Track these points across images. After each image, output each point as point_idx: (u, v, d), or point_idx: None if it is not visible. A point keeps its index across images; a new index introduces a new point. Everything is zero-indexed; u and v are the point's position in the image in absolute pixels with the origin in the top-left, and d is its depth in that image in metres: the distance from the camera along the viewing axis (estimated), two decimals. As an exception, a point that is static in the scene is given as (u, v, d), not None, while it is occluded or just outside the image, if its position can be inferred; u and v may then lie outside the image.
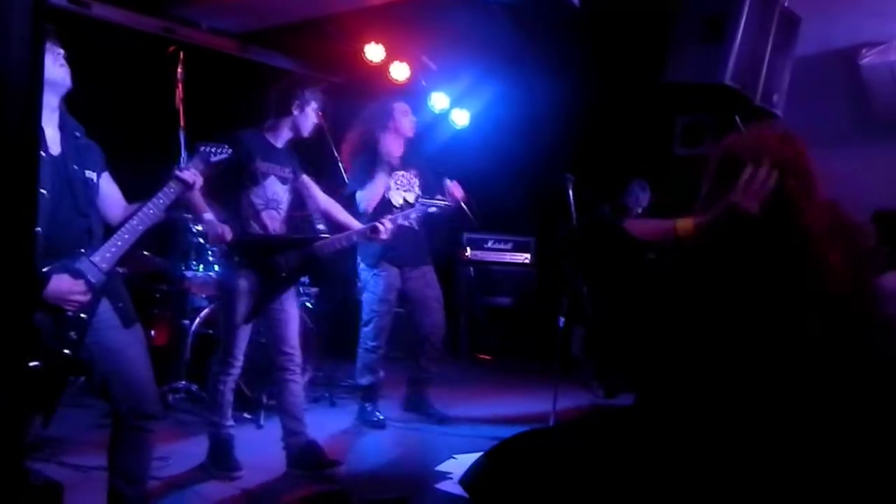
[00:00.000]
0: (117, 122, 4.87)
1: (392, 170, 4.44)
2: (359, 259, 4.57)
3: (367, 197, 4.37)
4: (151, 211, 2.59)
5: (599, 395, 5.41)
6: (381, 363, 4.55)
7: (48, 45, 2.37)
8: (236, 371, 3.56)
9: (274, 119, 3.61)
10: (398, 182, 4.52)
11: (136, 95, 5.04)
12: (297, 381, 3.64)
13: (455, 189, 4.40)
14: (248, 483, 3.42)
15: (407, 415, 4.73)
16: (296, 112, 3.56)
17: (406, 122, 4.52)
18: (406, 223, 4.23)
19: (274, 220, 3.58)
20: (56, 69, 2.43)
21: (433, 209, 4.25)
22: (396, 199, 4.49)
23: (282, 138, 3.61)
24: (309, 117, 3.59)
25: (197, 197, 3.30)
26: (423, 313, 4.56)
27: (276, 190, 3.57)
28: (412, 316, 4.61)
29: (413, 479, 3.81)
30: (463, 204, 4.44)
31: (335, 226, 3.80)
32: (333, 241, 3.65)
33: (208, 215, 3.40)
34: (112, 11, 5.22)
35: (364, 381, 4.54)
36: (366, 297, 4.53)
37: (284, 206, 3.64)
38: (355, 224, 3.79)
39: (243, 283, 3.46)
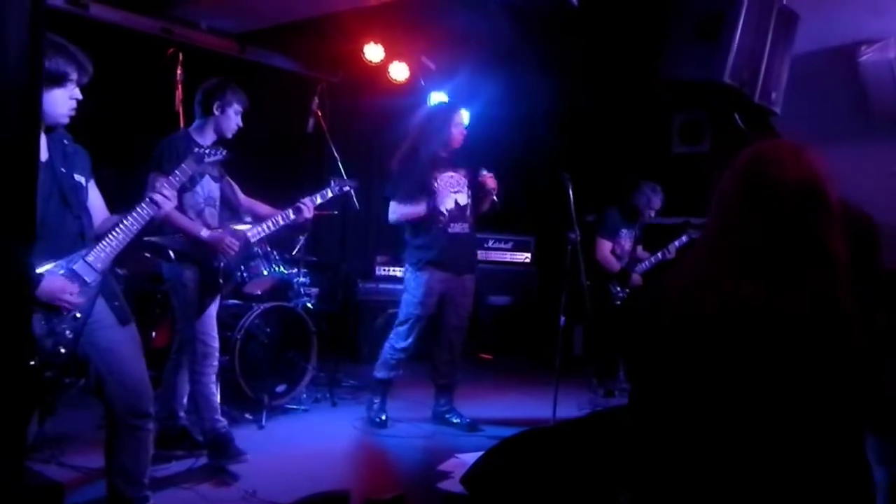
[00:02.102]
0: (117, 123, 4.88)
1: (441, 171, 4.45)
2: (404, 260, 4.59)
3: (400, 212, 4.40)
4: (146, 210, 2.61)
5: (600, 394, 5.42)
6: (403, 363, 4.54)
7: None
8: (216, 360, 3.64)
9: (199, 120, 3.66)
10: (447, 183, 4.47)
11: (136, 97, 5.04)
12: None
13: (489, 180, 4.46)
14: (250, 484, 3.43)
15: (409, 414, 4.73)
16: (217, 113, 3.61)
17: (458, 132, 4.49)
18: (322, 200, 4.04)
19: (214, 218, 3.69)
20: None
21: (346, 188, 4.20)
22: (448, 203, 4.46)
23: (208, 139, 3.64)
24: (230, 118, 3.63)
25: (183, 221, 3.49)
26: (451, 315, 4.53)
27: (211, 188, 3.68)
28: (440, 316, 4.56)
29: (415, 479, 3.82)
30: (494, 197, 4.50)
31: (261, 219, 3.87)
32: (261, 225, 3.77)
33: (205, 233, 3.52)
34: (110, 12, 5.22)
35: (381, 374, 4.54)
36: (405, 297, 4.52)
37: (219, 202, 3.74)
38: (279, 213, 3.87)
39: (189, 275, 3.57)
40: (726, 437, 1.50)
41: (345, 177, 4.37)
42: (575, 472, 1.78)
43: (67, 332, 2.44)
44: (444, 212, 4.43)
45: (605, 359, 5.55)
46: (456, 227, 4.46)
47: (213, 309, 3.65)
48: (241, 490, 3.38)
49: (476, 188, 4.55)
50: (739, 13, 3.60)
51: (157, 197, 2.67)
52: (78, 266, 2.47)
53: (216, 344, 3.65)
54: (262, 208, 3.94)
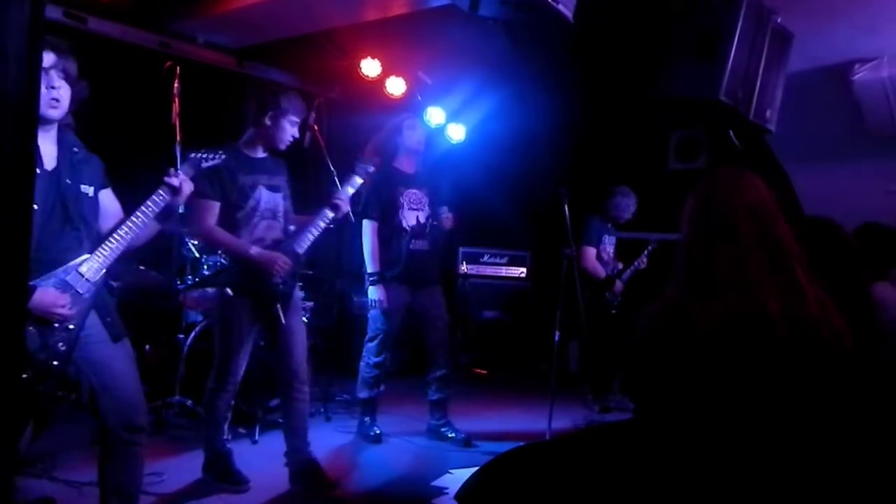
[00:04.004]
0: (114, 136, 4.87)
1: (405, 188, 4.48)
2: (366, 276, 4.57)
3: (368, 246, 4.41)
4: (140, 220, 2.59)
5: (595, 410, 5.41)
6: (381, 379, 4.55)
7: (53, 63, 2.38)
8: (232, 389, 3.55)
9: (252, 131, 3.56)
10: (410, 201, 4.51)
11: (133, 110, 5.04)
12: (303, 399, 3.62)
13: (446, 222, 4.54)
14: (243, 499, 3.40)
15: (403, 429, 4.71)
16: (269, 123, 3.49)
17: (414, 136, 4.53)
18: (353, 189, 3.81)
19: (272, 230, 3.55)
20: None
21: (371, 169, 3.94)
22: (410, 220, 4.49)
23: (260, 150, 3.56)
24: (284, 129, 3.49)
25: (228, 239, 3.40)
26: (428, 332, 4.57)
27: (267, 199, 3.53)
28: (421, 335, 4.61)
29: (409, 495, 3.79)
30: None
31: (302, 227, 3.69)
32: (308, 235, 3.57)
33: (254, 250, 3.40)
34: (108, 26, 5.23)
35: (363, 395, 4.55)
36: (372, 313, 4.52)
37: (281, 213, 3.59)
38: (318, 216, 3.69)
39: (240, 306, 3.45)
40: (728, 448, 1.54)
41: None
42: (570, 488, 1.77)
43: (60, 344, 2.42)
44: (407, 227, 4.46)
45: (601, 372, 5.56)
46: (417, 244, 4.49)
47: (248, 346, 3.52)
48: (233, 505, 3.36)
49: (432, 191, 4.61)
50: (734, 32, 3.63)
51: (172, 178, 2.64)
52: (71, 277, 2.45)
53: (236, 383, 3.55)
54: (301, 217, 3.76)
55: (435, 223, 4.50)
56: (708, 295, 1.61)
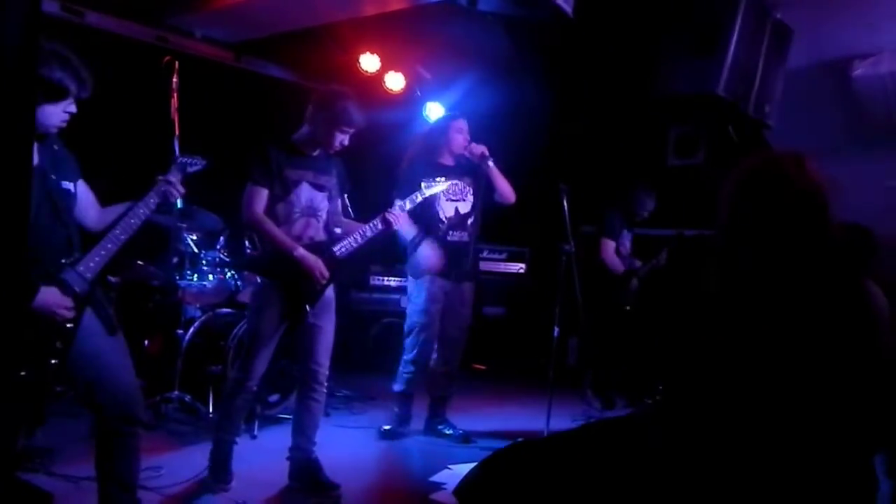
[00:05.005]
0: (112, 131, 4.87)
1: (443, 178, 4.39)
2: (405, 270, 4.58)
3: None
4: (133, 221, 2.60)
5: (595, 405, 5.40)
6: (417, 380, 4.51)
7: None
8: (254, 383, 3.49)
9: (306, 128, 3.53)
10: (450, 191, 4.45)
11: (131, 105, 5.03)
12: (318, 400, 3.61)
13: (475, 148, 4.46)
14: (242, 495, 3.40)
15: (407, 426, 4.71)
16: (321, 126, 3.46)
17: (460, 138, 4.49)
18: (412, 205, 3.88)
19: (311, 227, 3.51)
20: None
21: (435, 189, 4.05)
22: (447, 211, 4.45)
23: (311, 147, 3.53)
24: (333, 136, 3.45)
25: (278, 235, 3.37)
26: (450, 327, 4.51)
27: (310, 197, 3.50)
28: (439, 328, 4.53)
29: (407, 490, 3.80)
30: (490, 163, 4.48)
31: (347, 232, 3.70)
32: (350, 241, 3.55)
33: (299, 252, 3.38)
34: (105, 20, 5.22)
35: (396, 387, 4.55)
36: (409, 308, 4.52)
37: (323, 213, 3.57)
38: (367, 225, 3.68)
39: (273, 297, 3.43)
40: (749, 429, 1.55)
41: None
42: (570, 484, 1.77)
43: (57, 342, 2.43)
44: (444, 219, 4.43)
45: (606, 368, 5.52)
46: (455, 236, 4.46)
47: (273, 340, 3.48)
48: (231, 500, 3.36)
49: (477, 181, 4.54)
50: (734, 27, 3.63)
51: (168, 187, 2.66)
52: (69, 276, 2.45)
53: (255, 378, 3.48)
54: (349, 223, 3.75)
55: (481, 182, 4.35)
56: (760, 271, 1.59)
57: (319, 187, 3.54)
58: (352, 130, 3.50)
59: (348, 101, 3.45)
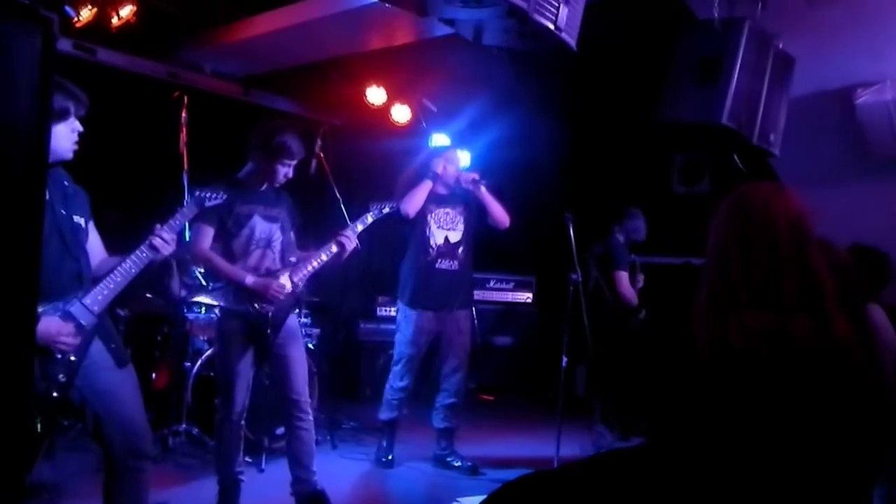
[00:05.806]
0: (122, 165, 4.92)
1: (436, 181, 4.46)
2: (397, 297, 4.59)
3: (408, 200, 4.35)
4: (144, 254, 2.61)
5: (605, 435, 5.32)
6: (405, 402, 4.54)
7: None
8: (238, 419, 3.52)
9: (250, 165, 3.57)
10: (440, 220, 4.49)
11: (142, 139, 5.09)
12: (307, 429, 3.61)
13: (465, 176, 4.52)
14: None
15: (410, 457, 4.67)
16: (263, 161, 3.50)
17: (451, 169, 4.53)
18: (363, 227, 3.85)
19: (266, 258, 3.56)
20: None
21: (386, 210, 3.97)
22: (437, 238, 4.48)
23: (258, 182, 3.56)
24: (276, 171, 3.49)
25: (225, 267, 3.43)
26: (449, 356, 4.52)
27: (263, 228, 3.55)
28: (439, 358, 4.56)
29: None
30: (482, 186, 4.49)
31: (302, 259, 3.70)
32: (306, 267, 3.59)
33: (249, 279, 3.43)
34: (117, 56, 5.30)
35: (384, 415, 4.55)
36: (398, 337, 4.54)
37: (278, 243, 3.60)
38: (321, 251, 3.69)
39: (235, 328, 3.47)
40: (749, 466, 1.53)
41: (348, 219, 4.36)
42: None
43: (60, 375, 2.42)
44: (434, 246, 4.46)
45: (618, 399, 5.41)
46: (444, 264, 4.48)
47: (246, 371, 3.49)
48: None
49: (470, 210, 4.57)
50: (737, 57, 3.66)
51: (156, 241, 2.65)
52: (74, 308, 2.46)
53: (240, 409, 3.51)
54: (301, 251, 3.76)
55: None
56: (745, 305, 1.58)
57: (271, 219, 3.58)
58: (293, 162, 3.55)
59: (286, 134, 3.50)
